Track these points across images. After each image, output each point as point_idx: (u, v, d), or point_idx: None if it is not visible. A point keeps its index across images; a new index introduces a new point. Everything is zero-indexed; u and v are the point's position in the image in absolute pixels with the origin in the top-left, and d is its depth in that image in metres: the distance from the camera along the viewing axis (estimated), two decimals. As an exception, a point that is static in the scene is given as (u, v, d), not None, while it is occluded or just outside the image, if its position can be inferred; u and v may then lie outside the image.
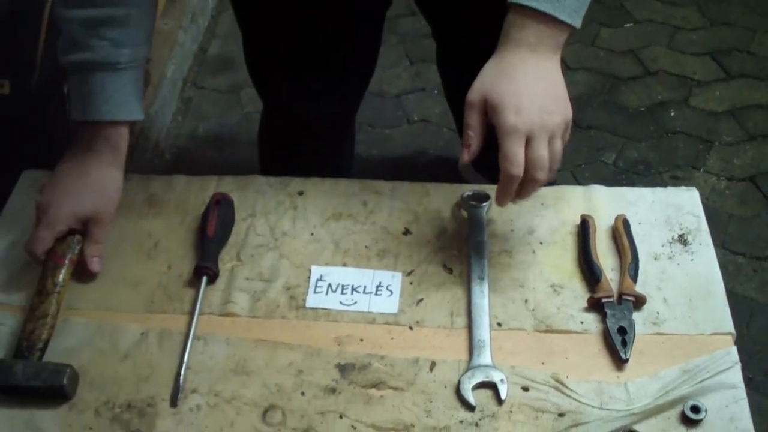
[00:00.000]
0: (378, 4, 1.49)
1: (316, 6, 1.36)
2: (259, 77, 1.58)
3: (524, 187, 1.06)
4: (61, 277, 1.14)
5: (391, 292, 1.14)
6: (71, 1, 1.13)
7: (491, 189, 1.24)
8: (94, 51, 1.13)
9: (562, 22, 1.06)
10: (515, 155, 1.03)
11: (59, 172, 1.19)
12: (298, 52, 1.43)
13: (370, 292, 1.15)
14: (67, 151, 1.20)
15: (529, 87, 1.05)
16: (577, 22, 1.08)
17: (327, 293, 1.15)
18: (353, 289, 1.15)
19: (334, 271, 1.17)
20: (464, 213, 1.23)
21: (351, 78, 1.59)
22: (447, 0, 1.47)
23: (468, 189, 1.25)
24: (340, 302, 1.14)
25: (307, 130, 1.65)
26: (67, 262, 1.15)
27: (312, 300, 1.14)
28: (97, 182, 1.18)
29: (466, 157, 1.10)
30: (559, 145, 1.06)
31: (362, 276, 1.17)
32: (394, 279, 1.16)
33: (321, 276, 1.17)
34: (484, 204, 1.22)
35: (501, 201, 1.08)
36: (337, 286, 1.16)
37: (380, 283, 1.15)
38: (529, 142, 1.04)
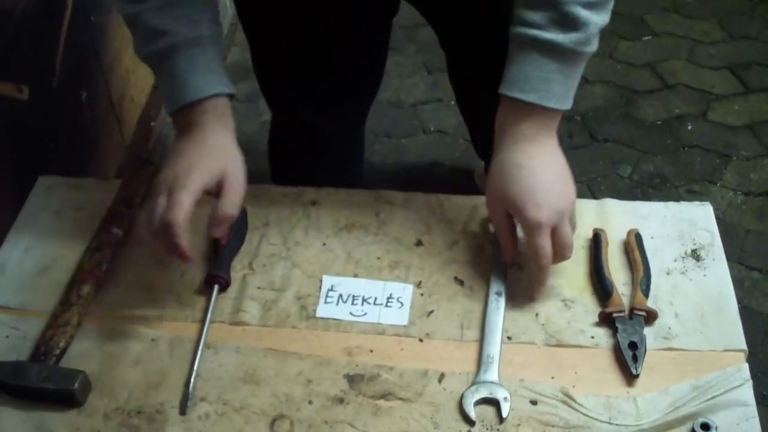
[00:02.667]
0: (384, 11, 1.50)
1: (322, 15, 1.36)
2: (268, 87, 1.59)
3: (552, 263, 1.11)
4: (85, 291, 1.15)
5: (402, 304, 1.14)
6: None
7: None
8: (173, 32, 1.10)
9: (553, 109, 1.09)
10: (544, 249, 1.08)
11: (176, 151, 1.12)
12: (304, 61, 1.44)
13: (381, 304, 1.15)
14: (175, 138, 1.16)
15: (540, 178, 1.10)
16: (567, 104, 1.11)
17: (338, 303, 1.15)
18: (364, 300, 1.15)
19: (345, 282, 1.17)
20: (491, 227, 1.23)
21: (359, 86, 1.60)
22: (450, 8, 1.48)
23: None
24: (351, 313, 1.14)
25: (317, 138, 1.66)
26: (92, 278, 1.17)
27: (322, 310, 1.14)
28: (219, 145, 1.13)
29: (505, 259, 1.16)
30: (575, 219, 1.14)
31: (373, 287, 1.17)
32: (405, 291, 1.16)
33: (332, 286, 1.17)
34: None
35: (537, 293, 1.13)
36: (348, 296, 1.16)
37: (391, 294, 1.16)
38: (553, 228, 1.08)
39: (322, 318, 1.14)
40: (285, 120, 1.69)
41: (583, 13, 1.04)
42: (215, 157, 1.10)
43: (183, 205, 1.04)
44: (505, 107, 1.12)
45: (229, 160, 1.11)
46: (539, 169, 1.10)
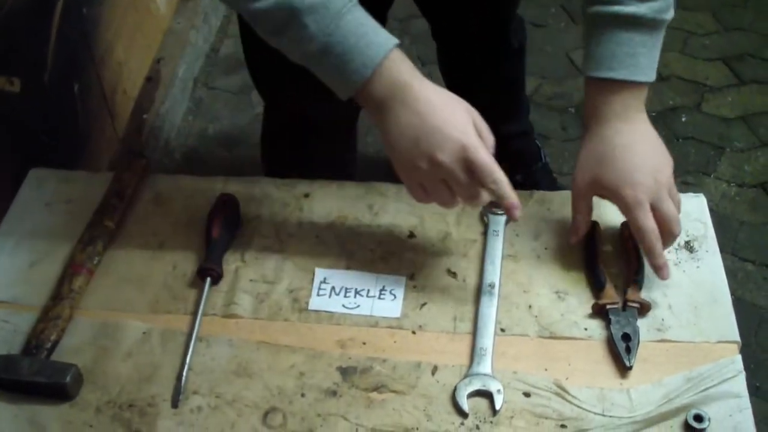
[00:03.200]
0: (379, 4, 1.49)
1: None
2: (261, 78, 1.58)
3: (664, 243, 1.10)
4: (77, 284, 1.15)
5: (395, 297, 1.14)
6: None
7: None
8: (330, 2, 1.01)
9: (640, 83, 1.09)
10: (648, 226, 1.07)
11: (409, 125, 1.02)
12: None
13: (374, 296, 1.14)
14: (380, 114, 1.05)
15: (636, 157, 1.09)
16: (653, 75, 1.11)
17: (330, 296, 1.14)
18: (357, 293, 1.15)
19: (337, 274, 1.17)
20: (485, 219, 1.23)
21: None
22: (448, 4, 1.47)
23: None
24: (343, 305, 1.13)
25: (310, 131, 1.65)
26: (84, 271, 1.17)
27: (315, 302, 1.14)
28: (441, 95, 1.04)
29: (573, 240, 1.16)
30: (675, 191, 1.12)
31: (366, 279, 1.16)
32: (397, 283, 1.16)
33: (325, 279, 1.16)
34: (504, 212, 1.21)
35: (661, 273, 1.11)
36: (341, 289, 1.15)
37: (384, 287, 1.15)
38: (655, 204, 1.08)
39: (315, 311, 1.13)
40: (278, 112, 1.69)
41: None
42: (459, 108, 1.04)
43: (494, 162, 1.02)
44: (594, 88, 1.11)
45: (459, 101, 1.05)
46: (632, 146, 1.10)
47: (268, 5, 1.01)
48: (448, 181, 1.03)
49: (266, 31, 1.06)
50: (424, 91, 1.03)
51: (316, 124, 1.63)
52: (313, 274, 1.17)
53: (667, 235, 1.09)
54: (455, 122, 1.02)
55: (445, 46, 1.70)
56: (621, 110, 1.10)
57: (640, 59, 1.08)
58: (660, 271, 1.10)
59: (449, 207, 1.07)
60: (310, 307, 1.14)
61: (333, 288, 1.15)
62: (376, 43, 1.02)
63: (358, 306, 1.13)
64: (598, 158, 1.11)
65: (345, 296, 1.15)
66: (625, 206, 1.09)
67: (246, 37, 1.51)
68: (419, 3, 1.58)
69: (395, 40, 1.04)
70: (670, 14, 1.10)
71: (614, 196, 1.10)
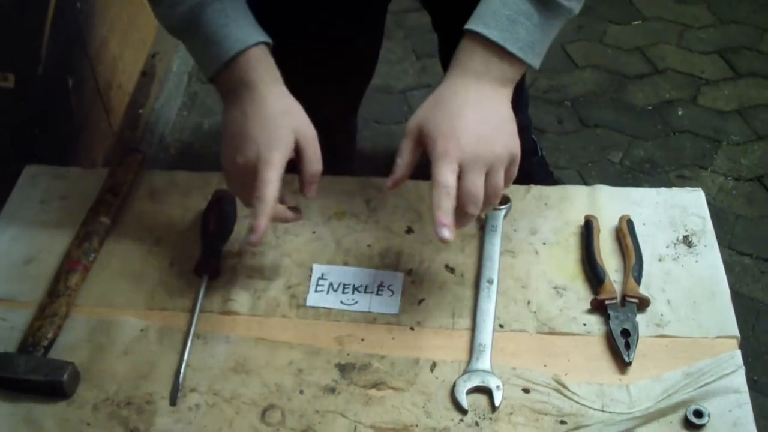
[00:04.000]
0: None
1: (317, 1, 1.35)
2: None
3: (457, 218, 1.00)
4: (73, 281, 1.14)
5: (393, 292, 1.13)
6: None
7: (512, 192, 1.24)
8: None
9: (513, 56, 1.04)
10: (443, 180, 0.98)
11: (236, 121, 1.06)
12: (299, 46, 1.43)
13: (372, 292, 1.14)
14: (225, 104, 1.10)
15: (467, 113, 1.01)
16: (531, 59, 1.05)
17: (328, 292, 1.14)
18: (354, 289, 1.14)
19: (335, 270, 1.16)
20: (482, 215, 1.22)
21: (353, 73, 1.59)
22: None
23: None
24: (341, 302, 1.13)
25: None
26: (80, 267, 1.16)
27: (313, 299, 1.13)
28: (283, 107, 1.07)
29: (390, 183, 1.06)
30: (499, 179, 1.01)
31: (364, 275, 1.16)
32: (395, 279, 1.15)
33: (322, 275, 1.16)
34: (502, 207, 1.21)
35: (440, 229, 0.98)
36: (339, 285, 1.15)
37: (382, 282, 1.14)
38: (463, 172, 0.99)
39: (313, 307, 1.13)
40: None
41: None
42: (285, 122, 1.05)
43: (273, 184, 1.02)
44: (466, 42, 1.05)
45: (296, 117, 1.07)
46: (471, 104, 1.02)
47: None
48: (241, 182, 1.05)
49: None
50: (261, 97, 1.06)
51: (316, 119, 1.62)
52: (311, 270, 1.17)
53: (461, 208, 0.99)
54: (267, 134, 1.03)
55: (446, 38, 1.69)
56: (480, 70, 1.03)
57: (519, 29, 1.02)
58: (438, 228, 0.97)
59: (247, 205, 1.07)
60: (307, 304, 1.13)
61: (331, 284, 1.15)
62: (234, 38, 1.05)
63: (356, 302, 1.13)
64: (434, 103, 1.03)
65: (343, 292, 1.14)
66: (433, 155, 0.99)
67: None
68: None
69: (259, 38, 1.07)
70: (572, 4, 1.04)
71: (430, 141, 1.00)
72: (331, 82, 1.53)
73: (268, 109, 1.05)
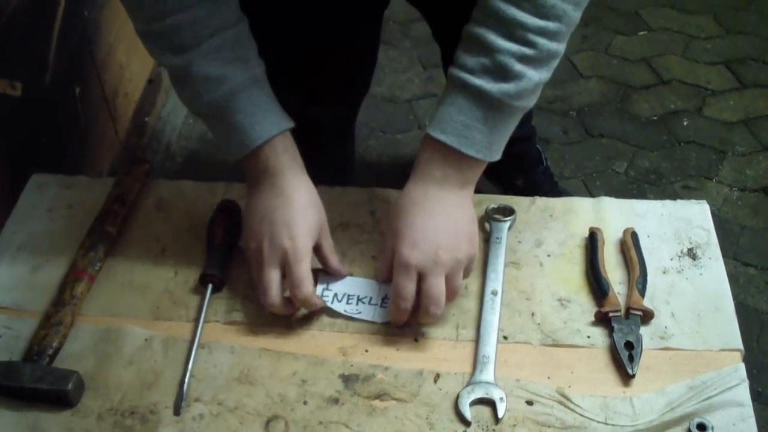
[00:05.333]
0: (375, 3, 1.49)
1: (313, 7, 1.35)
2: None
3: (421, 317, 1.07)
4: (79, 290, 1.15)
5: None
6: (177, 40, 1.06)
7: (516, 203, 1.24)
8: (230, 77, 1.07)
9: (471, 157, 1.06)
10: (403, 289, 1.05)
11: (263, 207, 1.11)
12: (296, 54, 1.43)
13: (376, 304, 1.14)
14: (250, 190, 1.14)
15: (428, 222, 1.06)
16: (490, 156, 1.07)
17: (332, 302, 1.14)
18: (359, 300, 1.14)
19: (340, 282, 1.16)
20: (487, 226, 1.22)
21: (350, 79, 1.59)
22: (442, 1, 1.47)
23: (488, 201, 1.25)
24: (345, 311, 1.13)
25: (308, 132, 1.65)
26: (86, 277, 1.16)
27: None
28: (308, 199, 1.12)
29: (381, 268, 1.14)
30: (457, 282, 1.07)
31: (368, 287, 1.16)
32: None
33: (327, 285, 1.16)
34: (507, 219, 1.22)
35: (396, 323, 1.10)
36: (343, 295, 1.15)
37: (386, 295, 1.14)
38: (423, 277, 1.04)
39: (318, 317, 1.13)
40: None
41: (518, 66, 1.01)
42: (311, 214, 1.11)
43: (308, 278, 1.07)
44: (425, 146, 1.08)
45: (319, 211, 1.13)
46: (432, 213, 1.06)
47: (170, 64, 1.09)
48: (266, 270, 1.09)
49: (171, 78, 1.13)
50: (289, 186, 1.11)
51: (315, 126, 1.63)
52: (315, 280, 1.17)
53: (423, 309, 1.06)
54: (295, 225, 1.08)
55: (447, 49, 1.70)
56: (439, 176, 1.07)
57: (475, 134, 1.04)
58: (393, 319, 1.10)
59: (266, 300, 1.09)
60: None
61: (336, 295, 1.15)
62: (261, 128, 1.09)
63: (360, 312, 1.13)
64: (400, 208, 1.09)
65: (347, 303, 1.14)
66: (396, 263, 1.06)
67: None
68: (417, 5, 1.57)
69: (285, 126, 1.12)
70: (522, 102, 1.05)
71: (396, 248, 1.06)
72: (328, 89, 1.54)
73: (296, 202, 1.10)
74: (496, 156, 1.08)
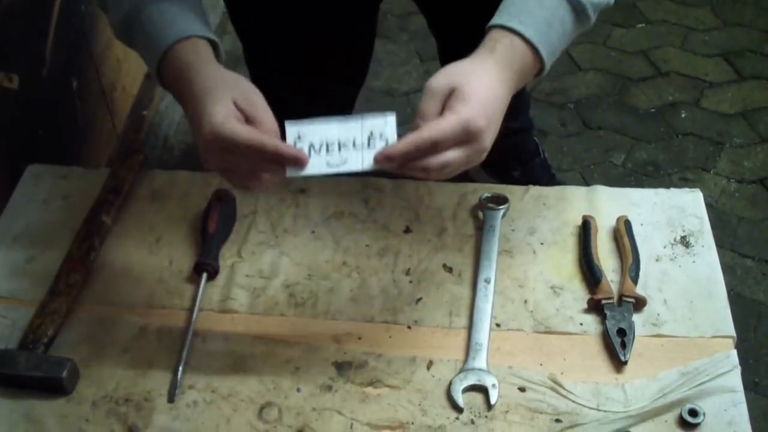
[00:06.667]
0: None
1: (310, 6, 1.36)
2: (257, 75, 1.58)
3: (411, 169, 0.94)
4: (74, 279, 1.15)
5: (387, 141, 0.96)
6: None
7: (510, 192, 1.24)
8: None
9: (538, 59, 1.01)
10: (441, 139, 0.91)
11: (185, 111, 1.00)
12: (292, 47, 1.44)
13: (362, 145, 0.97)
14: (181, 103, 1.03)
15: (496, 103, 0.97)
16: (545, 70, 1.03)
17: (310, 155, 0.96)
18: (341, 146, 0.97)
19: (313, 129, 0.97)
20: (480, 214, 1.23)
21: (348, 74, 1.59)
22: None
23: (482, 190, 1.25)
24: (328, 164, 0.96)
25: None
26: (81, 266, 1.17)
27: (294, 169, 0.95)
28: (207, 81, 0.98)
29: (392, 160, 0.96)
30: (457, 170, 0.96)
31: (348, 129, 0.97)
32: (386, 124, 0.97)
33: (299, 136, 0.97)
34: (501, 207, 1.22)
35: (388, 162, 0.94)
36: (321, 145, 0.96)
37: (372, 132, 0.97)
38: (460, 142, 0.93)
39: (295, 178, 0.97)
40: (275, 108, 1.68)
41: None
42: (220, 89, 0.97)
43: (264, 133, 0.94)
44: (495, 35, 1.00)
45: (237, 82, 0.99)
46: (501, 107, 0.97)
47: None
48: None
49: None
50: (193, 83, 0.98)
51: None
52: (309, 269, 1.17)
53: (420, 168, 0.92)
54: (206, 107, 0.95)
55: (443, 42, 1.70)
56: (506, 61, 0.99)
57: (552, 34, 1.00)
58: (380, 157, 0.93)
59: (248, 190, 1.00)
60: (288, 175, 0.95)
61: (312, 146, 0.96)
62: (171, 31, 1.02)
63: (346, 161, 0.96)
64: (472, 71, 0.97)
65: (328, 152, 0.96)
66: (459, 115, 0.92)
67: (243, 36, 1.52)
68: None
69: (198, 32, 1.03)
70: (588, 22, 1.02)
71: (460, 103, 0.93)
72: (325, 85, 1.54)
73: (203, 84, 0.98)
74: (543, 73, 1.03)
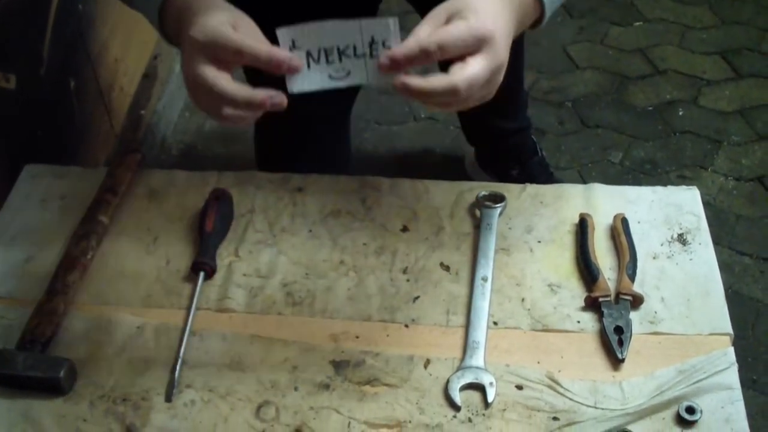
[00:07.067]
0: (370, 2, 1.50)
1: (310, 7, 1.36)
2: (252, 74, 1.58)
3: (438, 95, 0.89)
4: (72, 279, 1.15)
5: (390, 48, 0.91)
6: None
7: (507, 190, 1.24)
8: None
9: (540, 5, 1.00)
10: (455, 39, 0.88)
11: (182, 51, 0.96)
12: None
13: (364, 54, 0.91)
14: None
15: (507, 25, 0.93)
16: (544, 20, 1.02)
17: (309, 66, 0.91)
18: (341, 54, 0.91)
19: (308, 32, 0.90)
20: (477, 213, 1.23)
21: None
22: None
23: (479, 188, 1.25)
24: (330, 76, 0.92)
25: (303, 125, 1.65)
26: (79, 266, 1.17)
27: (295, 82, 0.91)
28: (212, 4, 0.95)
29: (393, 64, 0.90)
30: (469, 104, 0.92)
31: (347, 33, 0.90)
32: (388, 29, 0.90)
33: (293, 42, 0.91)
34: (498, 205, 1.22)
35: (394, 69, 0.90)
36: (319, 53, 0.91)
37: (373, 38, 0.90)
38: (472, 50, 0.89)
39: (296, 93, 0.92)
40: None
41: None
42: (227, 8, 0.96)
43: (251, 40, 0.91)
44: None
45: (225, 11, 0.95)
46: (508, 18, 0.94)
47: None
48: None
49: None
50: (192, 7, 0.96)
51: (309, 119, 1.63)
52: (307, 268, 1.17)
53: (451, 79, 0.88)
54: (200, 21, 0.92)
55: None
56: (519, 6, 0.97)
57: None
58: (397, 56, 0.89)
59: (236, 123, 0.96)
60: (290, 90, 0.91)
61: (309, 54, 0.91)
62: None
63: (349, 72, 0.92)
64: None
65: (328, 62, 0.91)
66: (465, 17, 0.89)
67: None
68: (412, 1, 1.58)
69: None
70: None
71: (473, 15, 0.89)
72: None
73: (204, 6, 0.95)
74: (542, 23, 1.02)
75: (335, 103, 1.68)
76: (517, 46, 1.82)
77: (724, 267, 1.97)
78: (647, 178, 2.23)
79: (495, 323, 1.10)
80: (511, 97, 1.95)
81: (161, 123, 2.31)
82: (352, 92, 1.71)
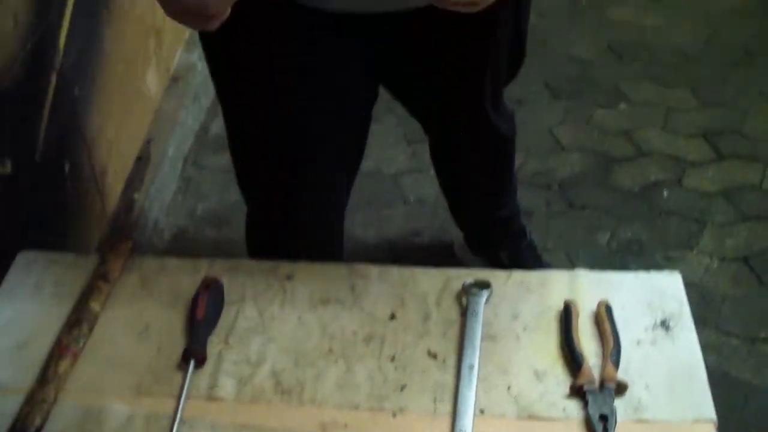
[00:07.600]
0: (364, 103, 1.52)
1: (304, 105, 1.39)
2: (244, 178, 1.59)
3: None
4: (63, 367, 1.16)
5: None
6: None
7: (493, 276, 1.27)
8: None
9: None
10: None
11: None
12: (284, 155, 1.45)
13: None
14: None
15: None
16: None
17: None
18: None
19: None
20: (463, 300, 1.25)
21: (338, 176, 1.60)
22: (425, 98, 1.49)
23: (465, 275, 1.28)
24: None
25: (295, 231, 1.63)
26: (69, 354, 1.18)
27: None
28: None
29: None
30: None
31: None
32: None
33: None
34: (483, 291, 1.24)
35: None
36: None
37: None
38: None
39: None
40: (265, 213, 1.67)
41: None
42: None
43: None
44: None
45: None
46: None
47: None
48: None
49: None
50: None
51: (302, 226, 1.62)
52: (296, 354, 1.18)
53: None
54: None
55: (433, 138, 1.74)
56: None
57: None
58: None
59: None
60: None
61: None
62: None
63: None
64: None
65: None
66: None
67: (235, 152, 1.53)
68: (405, 104, 1.61)
69: None
70: None
71: None
72: (316, 188, 1.56)
73: None
74: None
75: (332, 209, 1.68)
76: (509, 145, 1.86)
77: (712, 348, 1.98)
78: (635, 259, 2.26)
79: (482, 411, 1.11)
80: (502, 190, 1.98)
81: (154, 206, 2.34)
82: (344, 193, 1.70)
